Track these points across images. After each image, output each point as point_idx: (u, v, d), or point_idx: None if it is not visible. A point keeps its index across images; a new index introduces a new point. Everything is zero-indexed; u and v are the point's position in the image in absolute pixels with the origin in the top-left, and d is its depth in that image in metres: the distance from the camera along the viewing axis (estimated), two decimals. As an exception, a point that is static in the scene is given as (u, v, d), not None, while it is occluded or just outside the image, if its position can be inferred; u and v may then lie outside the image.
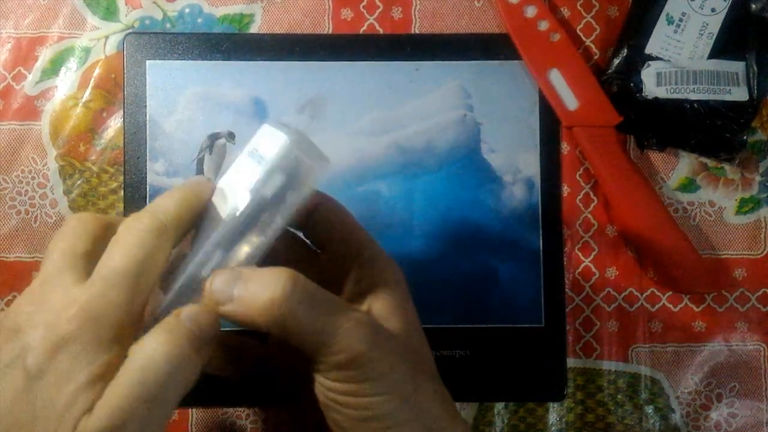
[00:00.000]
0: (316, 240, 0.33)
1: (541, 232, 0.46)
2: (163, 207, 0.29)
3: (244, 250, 0.28)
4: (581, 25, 0.48)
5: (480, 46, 0.47)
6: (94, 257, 0.28)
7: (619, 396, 0.47)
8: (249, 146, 0.30)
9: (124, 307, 0.26)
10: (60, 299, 0.26)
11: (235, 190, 0.28)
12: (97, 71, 0.47)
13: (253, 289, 0.27)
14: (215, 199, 0.30)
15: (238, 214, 0.27)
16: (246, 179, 0.28)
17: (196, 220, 0.30)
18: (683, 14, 0.46)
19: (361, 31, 0.48)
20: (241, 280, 0.27)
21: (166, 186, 0.46)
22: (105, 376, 0.25)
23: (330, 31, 0.48)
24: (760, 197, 0.48)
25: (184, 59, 0.46)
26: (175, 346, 0.26)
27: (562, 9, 0.48)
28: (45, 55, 0.47)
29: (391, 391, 0.28)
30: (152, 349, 0.25)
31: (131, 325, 0.27)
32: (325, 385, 0.28)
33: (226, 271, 0.27)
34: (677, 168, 0.48)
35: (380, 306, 0.30)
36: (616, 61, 0.46)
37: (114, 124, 0.47)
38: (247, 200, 0.27)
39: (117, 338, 0.26)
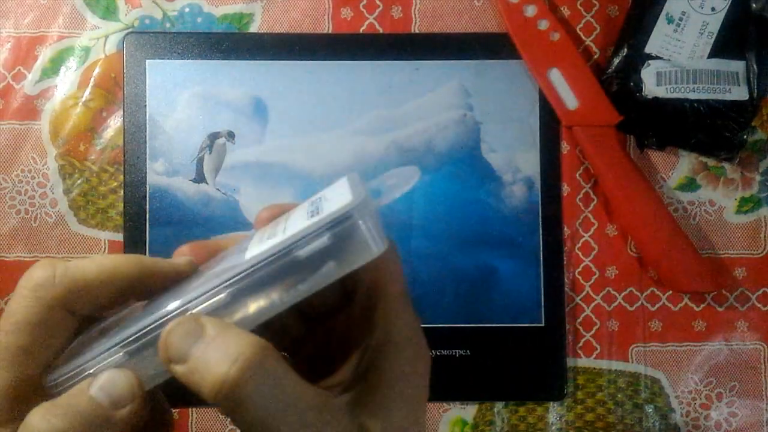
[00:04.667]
0: (342, 290, 0.27)
1: (541, 231, 0.46)
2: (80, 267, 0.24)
3: (255, 304, 0.23)
4: (581, 25, 0.48)
5: (480, 46, 0.47)
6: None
7: (619, 395, 0.47)
8: (317, 194, 0.25)
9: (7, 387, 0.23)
10: None
11: (274, 236, 0.23)
12: (96, 70, 0.47)
13: (210, 356, 0.22)
14: (254, 238, 0.25)
15: (251, 257, 0.23)
16: (290, 228, 0.23)
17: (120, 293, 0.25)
18: (683, 13, 0.46)
19: (360, 31, 0.48)
20: (202, 339, 0.22)
21: (165, 185, 0.46)
22: None
23: (330, 31, 0.48)
24: (760, 196, 0.48)
25: (184, 59, 0.46)
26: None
27: (562, 8, 0.48)
28: (45, 54, 0.47)
29: None
30: None
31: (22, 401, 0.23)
32: None
33: (189, 322, 0.22)
34: (677, 167, 0.48)
35: (379, 423, 0.24)
36: (616, 61, 0.46)
37: (114, 124, 0.47)
38: (273, 250, 0.22)
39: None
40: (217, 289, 0.23)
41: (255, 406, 0.21)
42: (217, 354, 0.21)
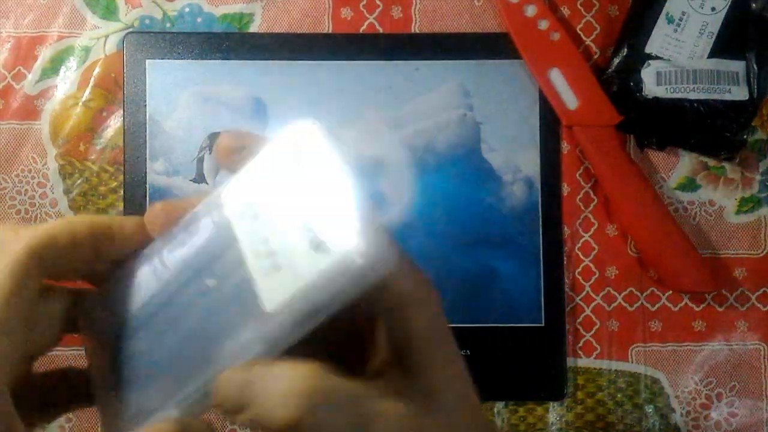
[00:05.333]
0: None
1: (541, 231, 0.46)
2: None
3: (284, 346, 0.23)
4: (581, 25, 0.48)
5: (480, 46, 0.47)
6: None
7: (619, 395, 0.47)
8: (303, 216, 0.23)
9: None
10: None
11: (277, 269, 0.23)
12: (96, 70, 0.47)
13: (269, 402, 0.22)
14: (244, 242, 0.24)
15: (274, 313, 0.22)
16: (291, 266, 0.22)
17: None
18: (683, 13, 0.46)
19: (360, 31, 0.48)
20: (256, 385, 0.22)
21: (165, 185, 0.46)
22: None
23: (330, 31, 0.48)
24: (760, 196, 0.48)
25: (184, 58, 0.46)
26: None
27: (562, 8, 0.48)
28: (45, 54, 0.47)
29: None
30: None
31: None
32: None
33: (237, 374, 0.23)
34: (677, 167, 0.48)
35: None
36: (616, 61, 0.46)
37: (114, 124, 0.47)
38: (294, 306, 0.22)
39: None
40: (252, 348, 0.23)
41: (327, 427, 0.22)
42: (275, 397, 0.22)
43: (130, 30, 0.47)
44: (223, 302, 0.24)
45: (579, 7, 0.48)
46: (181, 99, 0.46)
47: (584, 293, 0.47)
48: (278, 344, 0.23)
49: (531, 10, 0.46)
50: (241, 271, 0.23)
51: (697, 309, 0.47)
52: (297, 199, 0.23)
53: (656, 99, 0.46)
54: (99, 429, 0.24)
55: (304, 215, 0.23)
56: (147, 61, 0.46)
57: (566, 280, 0.47)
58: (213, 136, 0.46)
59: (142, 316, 0.25)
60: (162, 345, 0.25)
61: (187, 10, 0.48)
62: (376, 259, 0.21)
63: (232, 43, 0.46)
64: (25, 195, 0.47)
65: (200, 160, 0.46)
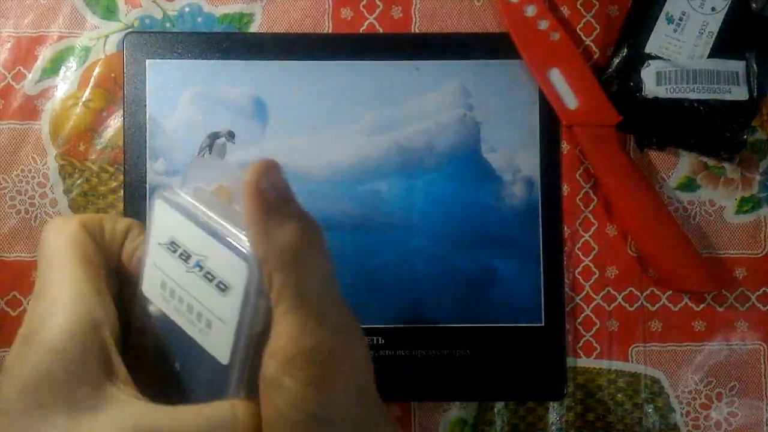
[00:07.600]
0: None
1: (540, 231, 0.46)
2: None
3: None
4: (581, 24, 0.48)
5: (480, 46, 0.47)
6: None
7: (618, 395, 0.47)
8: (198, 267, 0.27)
9: None
10: None
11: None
12: (97, 70, 0.47)
13: None
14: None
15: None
16: (224, 318, 0.25)
17: None
18: (683, 13, 0.46)
19: (360, 31, 0.48)
20: None
21: (165, 185, 0.46)
22: None
23: (330, 31, 0.48)
24: (760, 196, 0.48)
25: (184, 58, 0.46)
26: None
27: (562, 8, 0.48)
28: (45, 54, 0.47)
29: None
30: None
31: None
32: None
33: None
34: (677, 167, 0.48)
35: None
36: (616, 61, 0.46)
37: (114, 124, 0.47)
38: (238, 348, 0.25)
39: None
40: None
41: None
42: None
43: (130, 30, 0.47)
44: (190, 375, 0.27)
45: (579, 7, 0.48)
46: (181, 99, 0.46)
47: (584, 293, 0.47)
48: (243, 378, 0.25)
49: (531, 10, 0.46)
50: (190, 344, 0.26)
51: (697, 309, 0.47)
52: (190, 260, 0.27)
53: (656, 99, 0.46)
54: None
55: (198, 267, 0.26)
56: (147, 61, 0.46)
57: (566, 280, 0.47)
58: (213, 136, 0.46)
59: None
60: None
61: (187, 10, 0.48)
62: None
63: (232, 43, 0.46)
64: (25, 195, 0.47)
65: (200, 160, 0.46)
